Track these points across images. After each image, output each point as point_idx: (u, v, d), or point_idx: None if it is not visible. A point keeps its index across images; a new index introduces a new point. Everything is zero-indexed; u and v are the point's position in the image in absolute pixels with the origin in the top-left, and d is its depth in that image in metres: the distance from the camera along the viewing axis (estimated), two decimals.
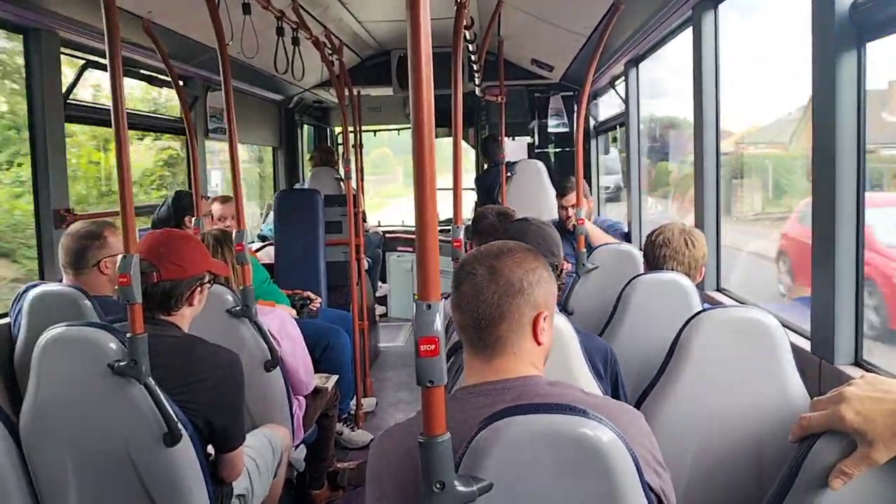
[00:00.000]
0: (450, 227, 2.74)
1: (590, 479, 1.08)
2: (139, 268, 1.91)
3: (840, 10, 1.86)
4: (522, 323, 1.33)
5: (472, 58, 4.14)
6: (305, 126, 7.41)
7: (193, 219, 3.46)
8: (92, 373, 1.90)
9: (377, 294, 6.46)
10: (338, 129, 8.03)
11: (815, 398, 1.15)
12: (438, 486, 1.07)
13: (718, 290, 3.10)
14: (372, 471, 1.34)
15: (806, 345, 2.10)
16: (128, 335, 1.86)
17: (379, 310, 6.72)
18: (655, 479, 1.20)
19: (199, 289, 2.17)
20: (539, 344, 1.35)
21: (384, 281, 7.22)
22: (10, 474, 2.07)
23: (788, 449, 1.74)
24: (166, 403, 1.90)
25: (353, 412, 4.32)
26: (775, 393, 1.78)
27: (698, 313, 1.87)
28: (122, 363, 1.86)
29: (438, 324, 1.06)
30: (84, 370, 1.91)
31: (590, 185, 5.18)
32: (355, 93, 5.01)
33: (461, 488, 1.07)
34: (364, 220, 5.40)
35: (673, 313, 2.24)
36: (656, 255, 2.50)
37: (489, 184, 5.62)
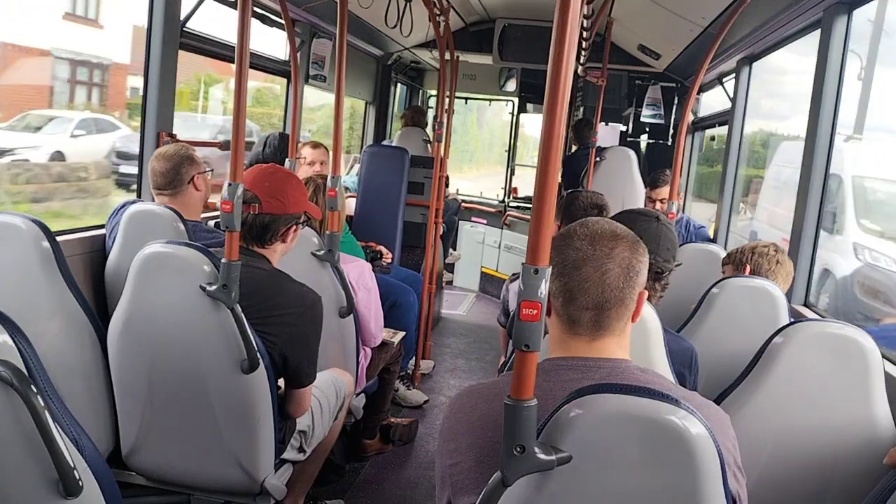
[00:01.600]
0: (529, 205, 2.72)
1: (673, 469, 1.06)
2: (243, 198, 1.96)
3: None
4: (631, 306, 1.35)
5: (583, 35, 4.06)
6: (399, 85, 7.45)
7: (287, 161, 3.53)
8: (184, 292, 1.98)
9: (446, 261, 6.50)
10: (430, 92, 8.04)
11: None
12: (518, 449, 1.08)
13: (805, 304, 3.01)
14: (448, 425, 1.36)
15: None
16: (223, 261, 1.93)
17: (446, 277, 6.76)
18: (734, 483, 1.18)
19: (294, 227, 2.22)
20: (633, 321, 1.37)
21: (455, 249, 7.25)
22: (94, 375, 2.20)
23: (863, 474, 1.71)
24: (249, 331, 1.96)
25: (410, 372, 4.39)
26: (860, 416, 1.72)
27: (792, 323, 1.82)
28: (213, 286, 1.93)
29: (543, 289, 1.06)
30: (177, 288, 1.99)
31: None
32: (455, 57, 5.00)
33: (541, 455, 1.08)
34: (446, 185, 5.41)
35: (759, 321, 2.20)
36: (769, 268, 2.53)
37: (576, 166, 5.55)
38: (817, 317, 2.79)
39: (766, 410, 1.77)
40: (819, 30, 2.99)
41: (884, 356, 1.78)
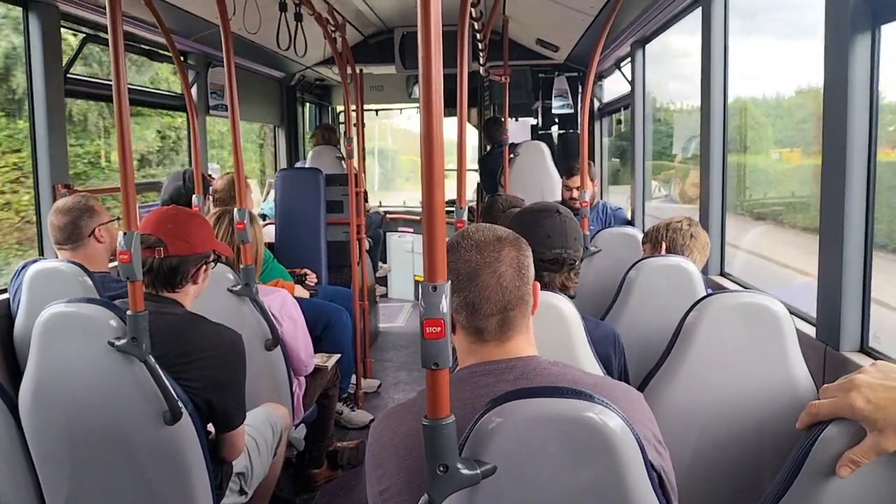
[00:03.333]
0: (453, 209, 2.71)
1: (595, 462, 1.07)
2: (140, 245, 1.89)
3: None
4: (530, 301, 1.38)
5: (478, 36, 4.10)
6: (307, 104, 7.36)
7: (195, 197, 3.44)
8: (92, 350, 1.89)
9: (377, 274, 6.45)
10: (339, 108, 7.98)
11: (825, 385, 1.13)
12: (441, 468, 1.06)
13: (722, 274, 3.09)
14: (372, 451, 1.34)
15: (811, 330, 2.08)
16: (128, 312, 1.85)
17: (379, 290, 6.71)
18: (657, 457, 1.20)
19: (204, 267, 2.16)
20: (532, 314, 1.40)
21: (384, 261, 7.21)
22: (9, 449, 2.07)
23: (791, 435, 1.74)
24: (166, 381, 1.89)
25: (352, 392, 4.32)
26: (780, 379, 1.77)
27: (704, 298, 1.85)
28: (122, 340, 1.85)
29: (445, 305, 1.04)
30: (84, 347, 1.90)
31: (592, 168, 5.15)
32: (358, 71, 4.97)
33: (465, 471, 1.06)
34: (365, 200, 5.37)
35: (677, 297, 2.24)
36: (683, 242, 2.59)
37: (492, 165, 5.59)
38: (735, 287, 2.87)
39: (691, 386, 1.80)
40: (700, 8, 3.09)
41: (793, 313, 1.84)
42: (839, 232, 1.91)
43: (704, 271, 2.57)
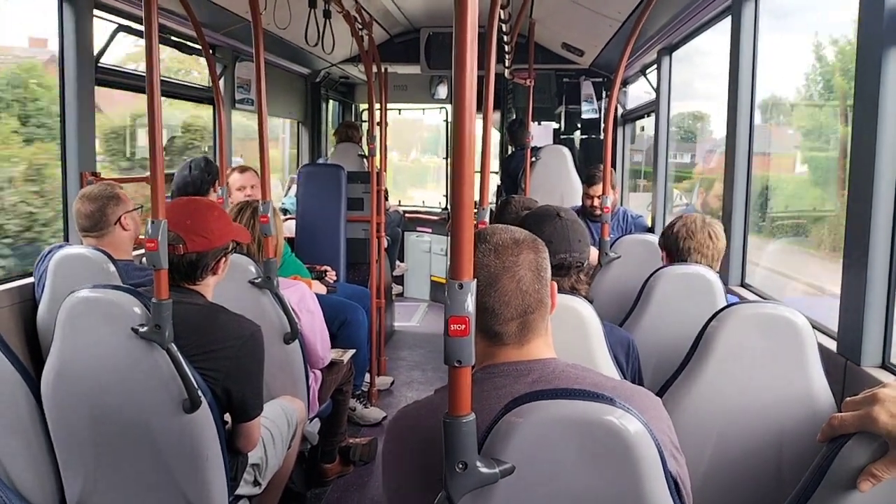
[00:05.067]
0: (476, 210, 2.71)
1: (613, 466, 1.07)
2: (167, 235, 1.91)
3: (890, 5, 1.81)
4: (549, 303, 1.37)
5: (505, 39, 4.10)
6: (331, 101, 7.40)
7: (219, 188, 3.47)
8: (115, 336, 1.91)
9: (394, 273, 6.47)
10: (362, 106, 8.01)
11: (848, 398, 1.13)
12: (461, 465, 1.06)
13: (742, 285, 3.07)
14: (388, 447, 1.34)
15: (832, 345, 2.07)
16: (153, 300, 1.87)
17: (395, 289, 6.72)
18: (673, 463, 1.19)
19: (223, 258, 2.17)
20: (550, 313, 1.39)
21: (402, 260, 7.22)
22: (30, 432, 2.11)
23: (809, 448, 1.74)
24: (187, 370, 1.91)
25: (366, 389, 4.34)
26: (799, 392, 1.76)
27: (726, 307, 1.85)
28: (145, 327, 1.87)
29: (470, 304, 1.05)
30: (108, 333, 1.92)
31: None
32: (383, 69, 4.98)
33: (484, 469, 1.07)
34: (385, 199, 5.39)
35: (697, 307, 2.23)
36: (680, 247, 2.49)
37: (514, 168, 5.59)
38: (755, 297, 2.85)
39: (710, 396, 1.80)
40: (730, 16, 3.08)
41: (815, 327, 1.82)
42: (864, 246, 1.89)
43: (725, 280, 2.54)
